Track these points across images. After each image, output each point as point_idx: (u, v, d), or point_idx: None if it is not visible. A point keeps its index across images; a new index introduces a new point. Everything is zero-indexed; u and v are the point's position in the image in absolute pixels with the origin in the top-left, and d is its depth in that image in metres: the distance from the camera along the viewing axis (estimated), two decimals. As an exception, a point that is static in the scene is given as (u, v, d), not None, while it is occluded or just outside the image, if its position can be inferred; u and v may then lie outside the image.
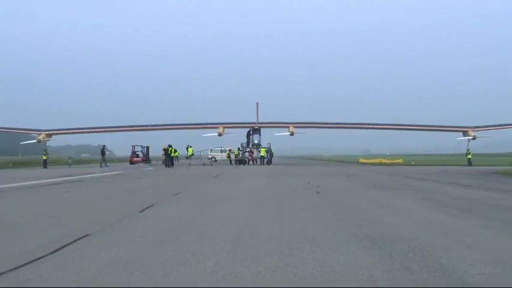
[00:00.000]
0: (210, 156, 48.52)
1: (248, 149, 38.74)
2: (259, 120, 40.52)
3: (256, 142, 37.84)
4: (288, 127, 38.83)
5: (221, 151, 45.93)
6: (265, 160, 37.05)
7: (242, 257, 3.97)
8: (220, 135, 38.31)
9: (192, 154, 34.98)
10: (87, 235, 4.93)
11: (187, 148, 35.76)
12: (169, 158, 31.96)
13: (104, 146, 34.35)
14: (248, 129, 39.65)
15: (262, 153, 37.17)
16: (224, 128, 38.82)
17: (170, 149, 31.94)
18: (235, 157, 39.73)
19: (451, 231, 5.14)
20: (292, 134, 38.38)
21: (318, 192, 9.93)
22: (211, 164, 35.64)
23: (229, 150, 40.83)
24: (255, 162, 39.23)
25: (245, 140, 39.59)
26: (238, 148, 39.85)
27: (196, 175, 19.34)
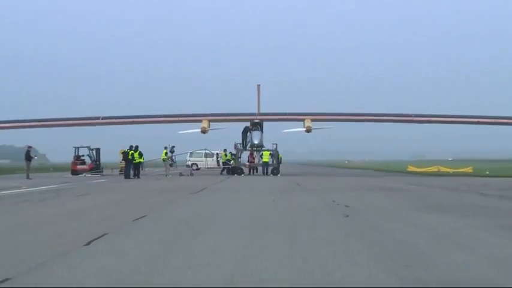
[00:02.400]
0: (189, 163, 48.65)
1: (248, 153, 38.78)
2: (262, 111, 40.62)
3: (256, 142, 37.83)
4: (303, 120, 38.85)
5: (205, 155, 46.09)
6: (270, 168, 37.09)
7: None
8: (204, 132, 38.36)
9: (166, 158, 35.09)
10: (6, 279, 4.89)
11: (171, 150, 35.90)
12: (130, 165, 32.03)
13: (31, 147, 34.32)
14: (245, 123, 39.68)
15: (265, 158, 37.22)
16: (210, 121, 38.88)
17: (131, 152, 31.99)
18: (225, 164, 39.75)
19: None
20: (308, 131, 38.39)
21: (346, 216, 9.99)
22: (191, 174, 35.77)
23: (225, 152, 40.80)
24: (254, 171, 39.23)
25: (240, 139, 39.62)
26: (230, 152, 39.90)
27: (169, 190, 19.39)
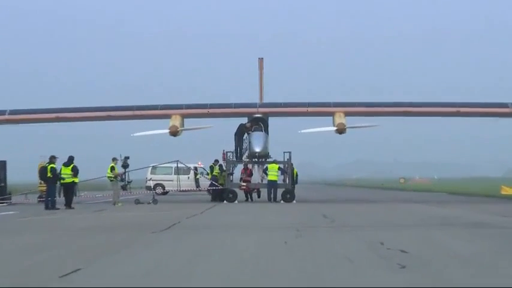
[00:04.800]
0: (151, 183, 48.43)
1: (243, 166, 38.57)
2: (266, 100, 40.52)
3: (257, 150, 37.59)
4: (332, 115, 38.71)
5: (177, 171, 45.92)
6: (280, 191, 36.90)
7: None
8: (174, 133, 38.22)
9: (113, 177, 34.77)
10: None
11: (124, 163, 35.51)
12: (54, 188, 31.80)
13: None
14: (240, 120, 39.53)
15: (272, 174, 37.02)
16: (184, 117, 38.77)
17: (51, 166, 31.69)
18: (211, 184, 39.55)
19: None
20: (341, 131, 38.20)
21: (402, 267, 10.08)
22: (154, 201, 35.56)
23: (214, 164, 40.62)
24: (253, 195, 38.94)
25: (232, 146, 39.43)
26: (218, 163, 39.70)
27: (119, 227, 19.35)
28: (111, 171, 34.65)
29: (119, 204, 33.73)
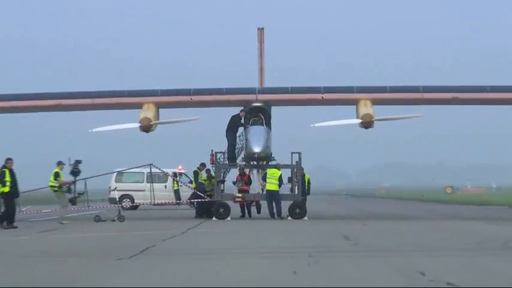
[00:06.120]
0: (115, 194, 48.46)
1: (238, 172, 38.56)
2: (268, 85, 40.74)
3: (256, 150, 37.58)
4: (356, 103, 38.65)
5: (150, 178, 46.03)
6: (285, 204, 36.86)
7: None
8: (146, 128, 38.17)
9: (57, 186, 34.51)
10: None
11: (74, 169, 35.14)
12: None
13: None
14: (234, 110, 39.42)
15: (271, 183, 36.93)
16: (159, 106, 38.69)
17: None
18: (194, 195, 39.59)
19: None
20: (367, 125, 38.08)
21: None
22: (120, 218, 35.58)
23: (199, 168, 40.65)
24: (252, 210, 38.94)
25: (224, 144, 39.44)
26: (205, 168, 39.74)
27: (69, 254, 19.39)
28: (54, 179, 34.30)
29: (65, 222, 33.37)
